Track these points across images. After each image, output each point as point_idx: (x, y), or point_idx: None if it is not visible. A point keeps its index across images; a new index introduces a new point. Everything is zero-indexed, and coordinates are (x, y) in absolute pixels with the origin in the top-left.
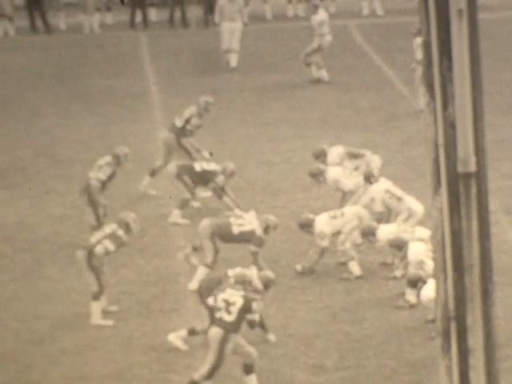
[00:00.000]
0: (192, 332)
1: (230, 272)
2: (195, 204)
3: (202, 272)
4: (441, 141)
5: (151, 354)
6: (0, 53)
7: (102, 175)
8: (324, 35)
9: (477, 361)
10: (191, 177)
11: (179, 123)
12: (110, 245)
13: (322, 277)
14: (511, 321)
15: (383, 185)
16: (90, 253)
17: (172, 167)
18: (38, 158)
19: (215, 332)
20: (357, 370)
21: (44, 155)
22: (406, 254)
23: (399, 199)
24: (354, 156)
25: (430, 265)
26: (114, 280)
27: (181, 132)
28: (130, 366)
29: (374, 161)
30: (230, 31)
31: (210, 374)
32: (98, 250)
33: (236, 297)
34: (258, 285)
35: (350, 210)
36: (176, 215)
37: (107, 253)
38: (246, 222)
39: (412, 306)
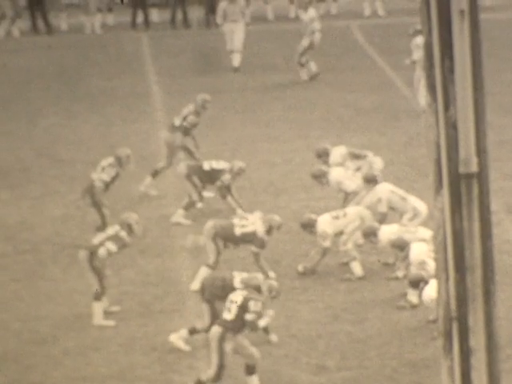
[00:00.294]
0: (193, 331)
1: (236, 274)
2: (198, 204)
3: (203, 272)
4: (442, 141)
5: (153, 355)
6: (2, 53)
7: (106, 176)
8: (315, 32)
9: (479, 361)
10: (200, 176)
11: (177, 122)
12: (112, 246)
13: (323, 277)
14: None
15: (388, 185)
16: (92, 253)
17: (182, 167)
18: (40, 158)
19: (214, 331)
20: (359, 371)
21: (46, 155)
22: (407, 255)
23: (404, 199)
24: (356, 157)
25: (431, 265)
26: (116, 280)
27: (179, 130)
28: (131, 367)
29: (376, 162)
30: (232, 32)
31: (218, 375)
32: (101, 252)
33: (238, 296)
34: (264, 289)
35: (352, 210)
36: (180, 215)
37: (110, 254)
38: (249, 223)
39: (414, 307)
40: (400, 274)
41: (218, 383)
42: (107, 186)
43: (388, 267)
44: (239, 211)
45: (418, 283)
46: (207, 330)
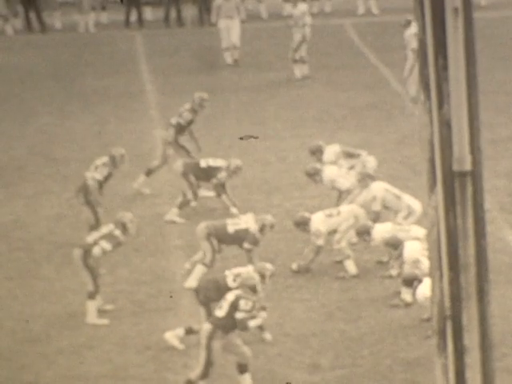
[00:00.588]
0: (189, 331)
1: (228, 273)
2: (192, 203)
3: (199, 271)
4: (436, 140)
5: (147, 353)
6: None
7: (99, 175)
8: (305, 25)
9: (473, 360)
10: (196, 174)
11: (174, 120)
12: (106, 245)
13: (317, 275)
14: (507, 319)
15: (383, 183)
16: (86, 252)
17: (179, 165)
18: (34, 157)
19: (205, 328)
20: (352, 369)
21: (39, 154)
22: (401, 253)
23: (398, 197)
24: (349, 155)
25: (425, 263)
26: (110, 279)
27: (173, 127)
28: (125, 365)
29: (370, 161)
30: (228, 29)
31: (205, 373)
32: (95, 251)
33: (231, 294)
34: (257, 284)
35: (346, 208)
36: (174, 213)
37: (104, 253)
38: (242, 221)
39: (408, 305)
40: (394, 272)
41: (207, 381)
42: (101, 184)
43: (382, 265)
44: (233, 210)
45: (411, 282)
46: None
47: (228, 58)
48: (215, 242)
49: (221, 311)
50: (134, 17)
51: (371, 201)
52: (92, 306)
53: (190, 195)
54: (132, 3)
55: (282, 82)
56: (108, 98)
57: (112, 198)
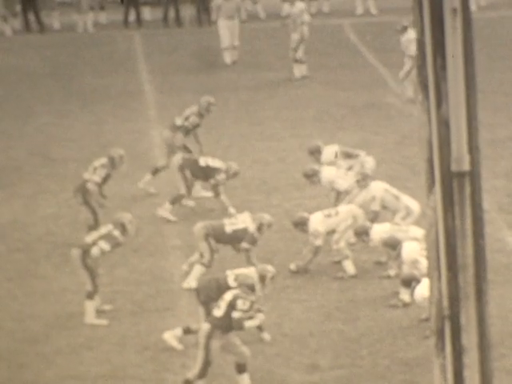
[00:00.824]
0: (187, 331)
1: (229, 272)
2: (190, 203)
3: (198, 271)
4: (435, 140)
5: (145, 353)
6: None
7: (97, 178)
8: (304, 23)
9: (471, 360)
10: (193, 171)
11: (179, 122)
12: (105, 245)
13: (316, 276)
14: (505, 320)
15: (382, 183)
16: (85, 252)
17: (177, 159)
18: (32, 157)
19: (203, 328)
20: (351, 369)
21: (38, 154)
22: (399, 253)
23: (397, 198)
24: (348, 156)
25: (423, 264)
26: (108, 279)
27: (180, 130)
28: (124, 366)
29: (369, 162)
30: (228, 28)
31: (202, 372)
32: (94, 251)
33: (229, 294)
34: (256, 283)
35: (344, 208)
36: (166, 209)
37: (102, 253)
38: (239, 220)
39: (406, 305)
40: (392, 272)
41: (205, 380)
42: (99, 186)
43: (380, 266)
44: (231, 210)
45: (410, 282)
46: None
47: (227, 58)
48: (213, 242)
49: (219, 311)
50: (132, 17)
51: (370, 201)
52: (91, 306)
53: (182, 190)
54: (130, 3)
55: (281, 81)
56: (107, 98)
57: (111, 198)
